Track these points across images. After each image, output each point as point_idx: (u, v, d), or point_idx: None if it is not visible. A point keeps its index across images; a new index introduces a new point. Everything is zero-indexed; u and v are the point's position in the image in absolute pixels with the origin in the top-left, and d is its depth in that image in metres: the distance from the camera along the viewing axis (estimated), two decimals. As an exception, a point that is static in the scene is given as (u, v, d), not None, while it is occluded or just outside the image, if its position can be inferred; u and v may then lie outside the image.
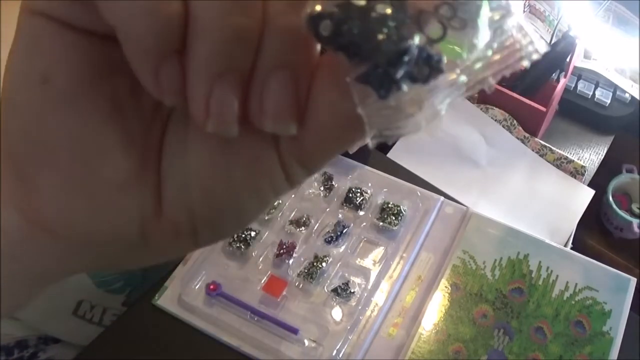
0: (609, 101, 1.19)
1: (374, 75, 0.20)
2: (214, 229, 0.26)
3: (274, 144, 0.24)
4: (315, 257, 0.85)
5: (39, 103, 0.22)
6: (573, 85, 1.22)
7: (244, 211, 0.25)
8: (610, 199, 1.04)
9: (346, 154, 0.97)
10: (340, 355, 0.78)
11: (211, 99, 0.21)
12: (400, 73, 0.20)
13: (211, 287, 0.82)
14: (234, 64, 0.21)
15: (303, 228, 0.88)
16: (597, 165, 1.14)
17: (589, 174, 1.11)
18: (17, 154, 0.23)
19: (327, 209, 0.91)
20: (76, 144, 0.23)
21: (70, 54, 0.22)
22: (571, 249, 0.93)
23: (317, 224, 0.89)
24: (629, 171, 1.10)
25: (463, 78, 0.21)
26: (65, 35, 0.22)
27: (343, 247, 0.87)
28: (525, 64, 0.21)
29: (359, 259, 0.85)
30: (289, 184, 0.25)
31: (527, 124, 1.13)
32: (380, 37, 0.19)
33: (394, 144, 1.09)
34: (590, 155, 1.16)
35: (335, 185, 0.93)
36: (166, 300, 0.82)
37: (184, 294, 0.82)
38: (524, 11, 1.22)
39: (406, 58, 0.19)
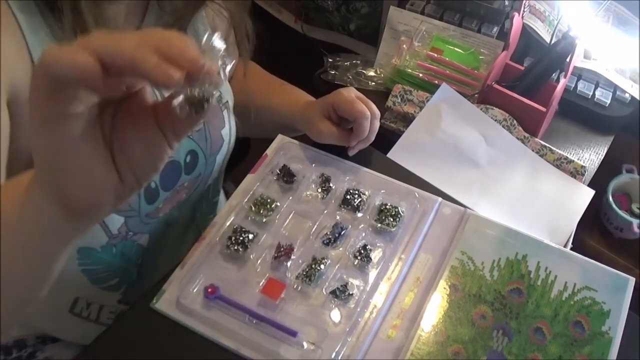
0: (609, 101, 1.19)
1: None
2: (145, 176, 0.48)
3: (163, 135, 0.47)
4: (314, 259, 0.85)
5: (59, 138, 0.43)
6: (573, 85, 1.22)
7: (155, 167, 0.48)
8: (610, 199, 1.04)
9: (345, 156, 0.97)
10: (340, 357, 0.78)
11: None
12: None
13: (209, 290, 0.82)
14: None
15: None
16: (597, 165, 1.14)
17: (589, 174, 1.11)
18: (51, 171, 0.44)
19: (325, 211, 0.91)
20: (84, 160, 0.44)
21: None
22: (571, 249, 0.93)
23: (315, 226, 0.89)
24: (629, 171, 1.10)
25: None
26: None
27: (341, 249, 0.87)
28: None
29: (357, 261, 0.85)
30: (171, 148, 0.48)
31: (527, 124, 1.13)
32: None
33: (393, 144, 1.09)
34: (590, 155, 1.16)
35: (333, 187, 0.93)
36: (164, 303, 0.82)
37: (182, 297, 0.82)
38: (524, 11, 1.22)
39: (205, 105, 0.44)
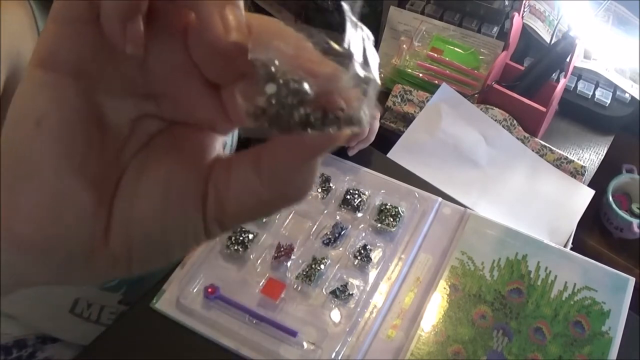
0: (609, 101, 1.19)
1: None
2: (144, 264, 0.32)
3: (202, 207, 0.30)
4: (314, 259, 0.85)
5: (31, 140, 0.28)
6: (573, 85, 1.22)
7: (170, 253, 0.32)
8: (610, 199, 1.04)
9: (345, 156, 0.97)
10: (340, 357, 0.78)
11: (127, 33, 0.27)
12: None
13: (209, 290, 0.82)
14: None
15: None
16: (597, 165, 1.13)
17: (589, 174, 1.11)
18: (7, 178, 0.28)
19: (325, 211, 0.91)
20: (55, 177, 0.28)
21: (62, 105, 0.28)
22: (571, 249, 0.93)
23: (315, 226, 0.89)
24: (629, 171, 1.10)
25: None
26: (63, 89, 0.28)
27: (341, 249, 0.87)
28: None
29: (357, 261, 0.85)
30: (207, 237, 0.31)
31: (527, 124, 1.13)
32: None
33: (393, 144, 1.09)
34: (590, 155, 1.16)
35: (333, 187, 0.93)
36: (164, 303, 0.82)
37: (182, 297, 0.82)
38: (523, 11, 1.22)
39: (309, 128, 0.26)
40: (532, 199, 1.05)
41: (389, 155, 1.06)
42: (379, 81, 0.28)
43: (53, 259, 0.29)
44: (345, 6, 0.28)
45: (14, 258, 0.29)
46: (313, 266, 0.84)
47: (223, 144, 0.34)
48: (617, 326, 0.79)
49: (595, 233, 1.07)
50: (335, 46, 0.27)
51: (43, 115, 0.28)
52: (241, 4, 0.27)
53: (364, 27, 0.28)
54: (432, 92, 1.16)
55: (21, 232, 0.29)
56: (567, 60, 1.10)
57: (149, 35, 0.28)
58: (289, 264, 0.85)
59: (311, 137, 0.27)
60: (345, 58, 0.27)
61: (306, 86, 0.25)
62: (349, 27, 0.28)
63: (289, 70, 0.25)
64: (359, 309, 0.81)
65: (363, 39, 0.28)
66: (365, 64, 0.27)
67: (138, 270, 0.31)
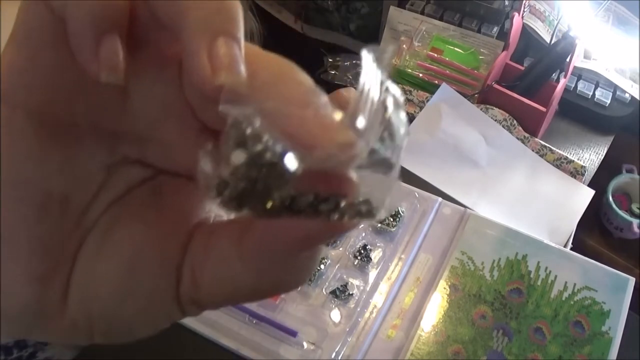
0: (609, 101, 1.19)
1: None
2: (107, 338, 0.27)
3: (175, 284, 0.25)
4: (314, 259, 0.85)
5: None
6: (573, 85, 1.22)
7: (137, 331, 0.27)
8: (610, 199, 1.04)
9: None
10: (340, 357, 0.78)
11: (101, 50, 0.21)
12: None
13: (209, 289, 0.82)
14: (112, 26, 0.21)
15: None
16: (597, 165, 1.13)
17: (589, 174, 1.11)
18: None
19: (326, 211, 0.90)
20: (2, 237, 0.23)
21: (14, 152, 0.22)
22: (571, 249, 0.93)
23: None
24: (629, 171, 1.10)
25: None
26: (16, 130, 0.22)
27: (341, 249, 0.87)
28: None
29: (357, 261, 0.85)
30: (184, 316, 0.26)
31: (527, 124, 1.13)
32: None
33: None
34: (590, 155, 1.16)
35: (334, 187, 0.93)
36: (165, 303, 0.82)
37: (182, 297, 0.82)
38: (523, 11, 1.22)
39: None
40: (532, 199, 1.05)
41: (389, 155, 1.06)
42: (398, 166, 0.21)
43: (6, 320, 0.25)
44: (367, 56, 0.20)
45: None
46: (313, 266, 0.84)
47: None
48: (617, 326, 0.79)
49: (595, 233, 1.07)
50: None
51: None
52: (241, 36, 0.21)
53: (393, 86, 0.21)
54: (432, 92, 1.16)
55: None
56: (567, 60, 1.10)
57: (137, 67, 0.23)
58: (289, 264, 0.85)
59: (305, 223, 0.21)
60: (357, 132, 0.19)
61: (290, 160, 0.19)
62: (367, 83, 0.20)
63: (272, 136, 0.19)
64: (359, 309, 0.81)
65: (387, 104, 0.20)
66: (390, 138, 0.20)
67: (103, 342, 0.27)
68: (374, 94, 0.20)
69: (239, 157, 0.19)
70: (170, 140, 0.25)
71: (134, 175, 0.26)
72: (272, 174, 0.19)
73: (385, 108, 0.20)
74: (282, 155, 0.18)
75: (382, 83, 0.20)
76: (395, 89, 0.20)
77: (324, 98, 0.21)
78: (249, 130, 0.19)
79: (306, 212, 0.19)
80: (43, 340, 0.30)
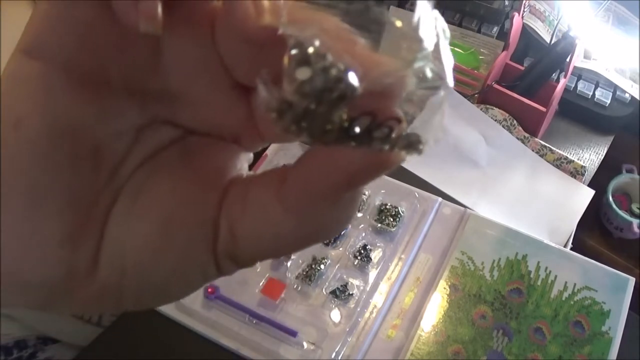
0: (609, 101, 1.19)
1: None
2: (137, 301, 0.26)
3: (212, 239, 0.24)
4: (314, 259, 0.85)
5: (7, 144, 0.22)
6: (573, 85, 1.22)
7: (170, 291, 0.26)
8: (610, 199, 1.03)
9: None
10: (340, 357, 0.78)
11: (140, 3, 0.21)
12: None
13: (209, 290, 0.82)
14: None
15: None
16: (597, 165, 1.13)
17: (589, 174, 1.11)
18: None
19: (326, 211, 0.90)
20: (30, 192, 0.23)
21: (48, 104, 0.22)
22: (571, 249, 0.93)
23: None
24: (629, 171, 1.10)
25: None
26: (51, 83, 0.22)
27: (341, 249, 0.87)
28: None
29: (357, 261, 0.85)
30: (219, 274, 0.26)
31: (527, 124, 1.13)
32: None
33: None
34: (590, 155, 1.16)
35: (334, 187, 0.93)
36: (164, 303, 0.82)
37: (182, 297, 0.82)
38: (523, 11, 1.22)
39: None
40: (532, 199, 1.05)
41: (389, 155, 1.06)
42: (452, 85, 0.21)
43: (27, 290, 0.24)
44: None
45: None
46: (313, 266, 0.84)
47: (248, 161, 0.28)
48: (617, 326, 0.79)
49: (595, 233, 1.07)
50: (398, 23, 0.20)
51: (23, 116, 0.22)
52: None
53: (440, 18, 0.21)
54: (432, 92, 1.16)
55: None
56: (567, 60, 1.10)
57: (168, 22, 0.22)
58: (289, 264, 0.85)
59: (354, 157, 0.20)
60: (413, 43, 0.20)
61: (353, 77, 0.19)
62: (421, 6, 0.21)
63: (332, 55, 0.19)
64: (359, 309, 0.81)
65: (437, 31, 0.21)
66: (438, 61, 0.20)
67: (131, 306, 0.26)
68: (428, 25, 0.20)
69: (304, 73, 0.19)
70: (201, 99, 0.25)
71: (164, 135, 0.26)
72: (336, 90, 0.19)
73: (437, 36, 0.21)
74: (346, 71, 0.19)
75: (431, 12, 0.21)
76: (442, 21, 0.21)
77: (358, 37, 0.21)
78: (311, 50, 0.19)
79: (361, 139, 0.19)
80: (64, 312, 0.27)
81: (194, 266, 0.25)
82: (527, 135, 1.12)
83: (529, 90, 1.14)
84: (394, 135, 0.20)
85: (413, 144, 0.20)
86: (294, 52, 0.19)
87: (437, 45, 0.20)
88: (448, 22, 1.28)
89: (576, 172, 1.07)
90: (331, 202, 0.23)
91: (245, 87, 0.25)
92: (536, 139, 1.11)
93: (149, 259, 0.24)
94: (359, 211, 0.90)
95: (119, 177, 0.25)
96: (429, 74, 0.20)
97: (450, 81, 0.20)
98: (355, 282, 0.84)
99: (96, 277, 0.24)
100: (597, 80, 1.23)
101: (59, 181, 0.23)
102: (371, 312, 0.81)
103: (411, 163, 1.00)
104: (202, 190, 0.25)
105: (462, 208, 0.91)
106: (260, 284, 0.83)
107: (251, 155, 0.28)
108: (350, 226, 0.89)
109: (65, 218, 0.23)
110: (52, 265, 0.24)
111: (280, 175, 0.24)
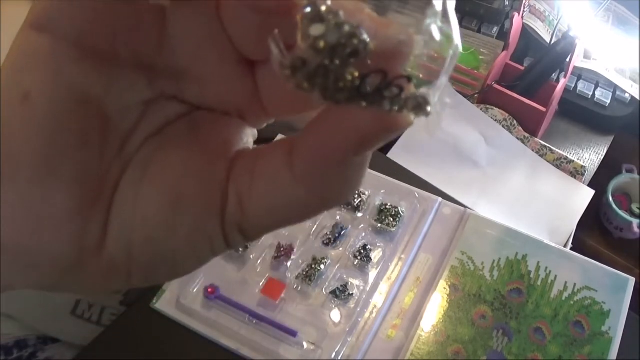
0: (609, 101, 1.19)
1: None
2: (147, 275, 0.26)
3: (220, 211, 0.25)
4: (314, 259, 0.85)
5: (15, 119, 0.23)
6: (573, 85, 1.22)
7: (180, 264, 0.26)
8: (610, 199, 1.03)
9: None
10: (340, 357, 0.78)
11: None
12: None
13: (209, 290, 0.82)
14: None
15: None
16: (597, 165, 1.13)
17: (589, 174, 1.11)
18: None
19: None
20: (39, 165, 0.23)
21: (57, 76, 0.23)
22: (571, 249, 0.93)
23: (315, 226, 0.89)
24: (629, 171, 1.10)
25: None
26: (60, 57, 0.23)
27: (341, 249, 0.87)
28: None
29: (357, 261, 0.85)
30: (227, 247, 0.26)
31: (527, 124, 1.13)
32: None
33: (393, 144, 1.09)
34: (590, 155, 1.16)
35: (334, 187, 0.93)
36: (164, 303, 0.82)
37: (182, 297, 0.82)
38: (523, 11, 1.22)
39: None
40: (532, 199, 1.05)
41: (389, 155, 1.06)
42: (460, 48, 0.21)
43: (36, 267, 0.24)
44: None
45: None
46: (313, 266, 0.84)
47: (253, 137, 0.28)
48: (617, 326, 0.79)
49: (595, 233, 1.07)
50: None
51: (32, 89, 0.22)
52: None
53: None
54: (432, 92, 1.16)
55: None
56: (567, 60, 1.10)
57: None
58: (289, 264, 0.85)
59: (363, 118, 0.21)
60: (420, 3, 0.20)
61: (365, 34, 0.19)
62: None
63: (345, 13, 0.19)
64: (359, 309, 0.81)
65: None
66: (446, 21, 0.21)
67: (140, 282, 0.26)
68: None
69: (318, 29, 0.19)
70: (207, 74, 0.25)
71: (170, 110, 0.26)
72: (349, 46, 0.19)
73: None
74: (358, 28, 0.19)
75: None
76: None
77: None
78: (324, 8, 0.19)
79: (372, 98, 0.20)
80: (73, 291, 0.27)
81: (203, 239, 0.25)
82: (527, 135, 1.12)
83: (529, 90, 1.14)
84: (403, 95, 0.20)
85: (421, 105, 0.20)
86: (307, 10, 0.19)
87: (444, 6, 0.20)
88: (448, 22, 1.28)
89: (576, 172, 1.08)
90: (341, 167, 0.23)
91: (250, 62, 0.25)
92: (536, 139, 1.11)
93: (158, 231, 0.25)
94: (359, 211, 0.90)
95: (127, 151, 0.25)
96: (436, 34, 0.20)
97: (458, 41, 0.21)
98: (355, 282, 0.84)
99: (105, 252, 0.25)
100: (597, 80, 1.23)
101: (68, 155, 0.23)
102: (371, 312, 0.81)
103: (411, 163, 1.01)
104: (210, 161, 0.25)
105: (462, 208, 0.91)
106: (260, 284, 0.83)
107: (256, 131, 0.29)
108: (350, 226, 0.89)
109: (75, 192, 0.24)
110: (63, 240, 0.24)
111: (287, 144, 0.24)
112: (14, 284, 0.26)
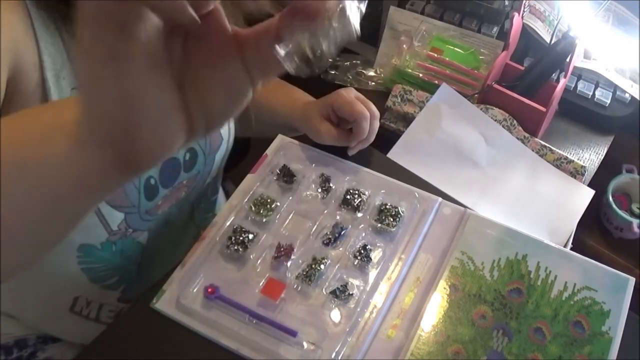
0: (609, 101, 1.19)
1: None
2: (218, 123, 0.41)
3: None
4: (314, 259, 0.85)
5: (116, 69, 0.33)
6: (573, 85, 1.22)
7: (230, 113, 0.40)
8: (610, 199, 1.04)
9: (345, 156, 0.97)
10: (340, 357, 0.78)
11: None
12: None
13: (209, 290, 0.82)
14: None
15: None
16: (597, 165, 1.14)
17: (589, 174, 1.11)
18: (115, 117, 0.35)
19: (325, 211, 0.90)
20: (156, 104, 0.36)
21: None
22: (571, 249, 0.93)
23: (315, 226, 0.89)
24: (629, 171, 1.10)
25: None
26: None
27: (341, 249, 0.87)
28: None
29: (357, 261, 0.85)
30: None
31: (527, 124, 1.13)
32: None
33: (393, 144, 1.09)
34: (590, 155, 1.16)
35: (333, 187, 0.93)
36: (164, 303, 0.82)
37: (182, 298, 0.82)
38: (523, 11, 1.22)
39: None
40: (532, 199, 1.05)
41: (389, 155, 1.06)
42: None
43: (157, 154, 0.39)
44: None
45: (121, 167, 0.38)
46: (313, 266, 0.84)
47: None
48: (617, 326, 0.79)
49: (595, 233, 1.07)
50: None
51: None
52: None
53: None
54: (432, 92, 1.16)
55: (142, 145, 0.37)
56: (567, 60, 1.10)
57: None
58: (289, 264, 0.85)
59: None
60: None
61: None
62: None
63: None
64: (359, 309, 0.81)
65: None
66: None
67: (216, 128, 0.41)
68: None
69: None
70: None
71: (177, 37, 0.37)
72: None
73: None
74: None
75: None
76: None
77: None
78: None
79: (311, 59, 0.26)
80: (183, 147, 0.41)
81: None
82: (527, 135, 1.12)
83: (529, 90, 1.14)
84: None
85: None
86: None
87: None
88: (448, 22, 1.28)
89: (576, 172, 1.08)
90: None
91: None
92: (536, 139, 1.11)
93: (216, 103, 0.39)
94: (359, 211, 0.90)
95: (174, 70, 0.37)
96: None
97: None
98: (355, 282, 0.84)
99: (194, 128, 0.39)
100: (597, 80, 1.23)
101: (162, 60, 0.35)
102: (371, 312, 0.81)
103: (411, 163, 1.01)
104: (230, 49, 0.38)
105: (462, 208, 0.91)
106: (260, 284, 0.83)
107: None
108: (350, 226, 0.89)
109: (171, 95, 0.37)
110: (176, 130, 0.38)
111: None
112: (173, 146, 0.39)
